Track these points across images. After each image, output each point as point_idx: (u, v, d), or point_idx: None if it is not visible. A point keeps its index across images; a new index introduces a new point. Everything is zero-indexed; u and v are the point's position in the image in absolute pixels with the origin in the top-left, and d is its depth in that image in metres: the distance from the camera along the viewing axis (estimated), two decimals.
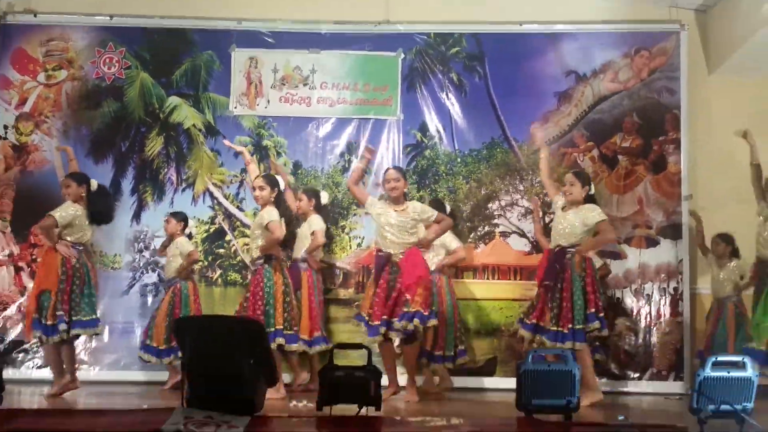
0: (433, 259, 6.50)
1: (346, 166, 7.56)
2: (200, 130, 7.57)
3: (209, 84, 7.62)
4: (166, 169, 7.54)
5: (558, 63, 7.56)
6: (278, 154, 7.56)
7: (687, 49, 7.43)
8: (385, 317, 5.52)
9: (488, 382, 6.93)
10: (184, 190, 7.52)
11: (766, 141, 7.26)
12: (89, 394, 5.94)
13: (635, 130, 7.44)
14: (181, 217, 6.93)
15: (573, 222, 5.56)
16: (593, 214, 5.53)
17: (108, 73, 7.61)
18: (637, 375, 6.91)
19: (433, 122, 7.57)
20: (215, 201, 7.54)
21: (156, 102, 7.60)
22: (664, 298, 7.13)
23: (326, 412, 3.65)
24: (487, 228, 7.46)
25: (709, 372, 3.35)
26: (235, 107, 7.59)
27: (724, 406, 3.33)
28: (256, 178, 5.98)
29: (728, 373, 3.36)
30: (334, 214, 7.41)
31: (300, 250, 6.53)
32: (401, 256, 5.68)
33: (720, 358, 3.43)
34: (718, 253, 6.82)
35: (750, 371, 3.38)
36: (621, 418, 3.61)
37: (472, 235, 7.40)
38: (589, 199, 5.67)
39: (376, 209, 5.89)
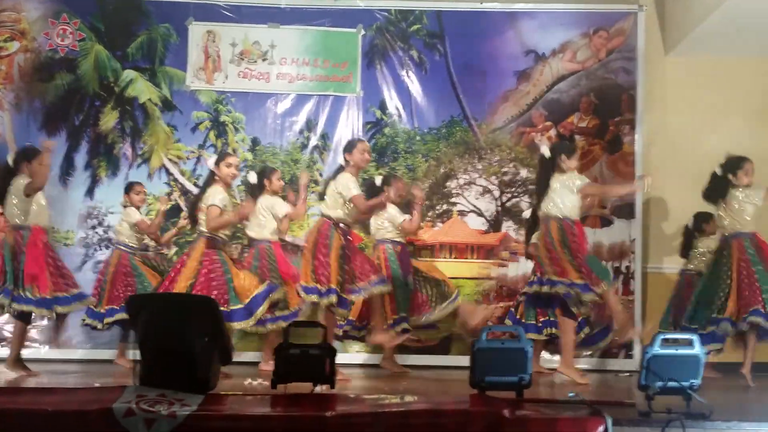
0: (378, 231, 6.49)
1: (305, 143, 7.52)
2: (156, 105, 7.45)
3: (166, 57, 7.49)
4: (121, 144, 7.42)
5: (518, 42, 7.57)
6: (236, 129, 7.48)
7: (644, 30, 7.50)
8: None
9: (443, 360, 6.97)
10: (139, 165, 7.41)
11: (720, 122, 7.43)
12: (40, 372, 5.85)
13: (592, 110, 7.51)
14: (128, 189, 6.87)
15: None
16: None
17: (61, 45, 7.44)
18: (589, 352, 7.01)
19: (392, 100, 7.55)
20: (171, 177, 7.44)
21: (111, 75, 7.46)
22: (616, 276, 7.23)
23: (281, 390, 3.65)
24: (445, 206, 7.49)
25: (657, 349, 3.40)
26: (193, 82, 7.47)
27: (671, 383, 3.39)
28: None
29: (676, 350, 3.42)
30: (293, 191, 7.35)
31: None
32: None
33: (668, 336, 3.50)
34: (709, 232, 6.68)
35: (697, 348, 3.45)
36: (571, 394, 3.67)
37: (430, 214, 7.42)
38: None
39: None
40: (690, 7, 7.22)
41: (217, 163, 5.74)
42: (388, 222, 6.44)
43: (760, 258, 5.70)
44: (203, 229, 5.63)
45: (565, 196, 5.45)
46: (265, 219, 6.33)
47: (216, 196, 5.59)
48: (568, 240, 5.42)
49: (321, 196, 5.80)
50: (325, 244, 5.52)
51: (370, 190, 6.29)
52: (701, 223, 6.67)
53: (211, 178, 5.74)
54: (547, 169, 5.60)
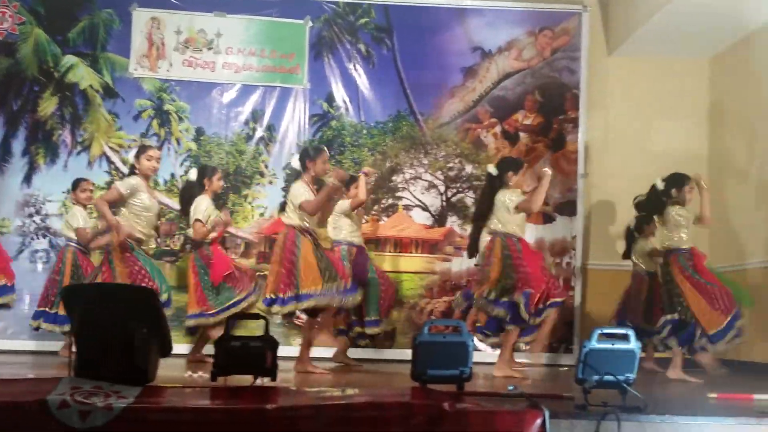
0: (333, 231, 6.43)
1: (250, 134, 7.45)
2: (98, 92, 7.30)
3: (108, 44, 7.35)
4: (60, 131, 7.26)
5: (465, 38, 7.62)
6: (180, 119, 7.38)
7: (588, 30, 7.63)
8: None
9: (387, 353, 6.98)
10: (79, 153, 7.26)
11: (661, 122, 7.61)
12: None
13: (537, 108, 7.61)
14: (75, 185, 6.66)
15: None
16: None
17: (0, 29, 7.22)
18: (529, 347, 7.09)
19: (339, 92, 7.54)
20: (112, 166, 7.31)
21: (51, 60, 7.28)
22: (558, 272, 7.34)
23: (221, 382, 3.61)
24: (390, 201, 7.50)
25: (594, 344, 3.46)
26: (136, 69, 7.35)
27: (607, 377, 3.45)
28: None
29: (612, 345, 3.48)
30: (237, 182, 7.30)
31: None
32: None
33: (605, 330, 3.56)
34: (648, 233, 6.78)
35: (633, 343, 3.51)
36: (511, 387, 3.71)
37: (375, 208, 7.44)
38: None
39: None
40: (633, 8, 7.36)
41: (137, 156, 5.63)
42: (343, 221, 6.34)
43: (699, 272, 5.83)
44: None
45: (506, 212, 5.53)
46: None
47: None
48: (512, 257, 5.49)
49: (282, 207, 5.74)
50: (292, 251, 5.43)
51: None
52: (642, 224, 6.79)
53: (132, 171, 5.65)
54: (493, 185, 5.67)
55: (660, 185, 6.01)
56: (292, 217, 5.49)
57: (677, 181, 5.97)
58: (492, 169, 5.71)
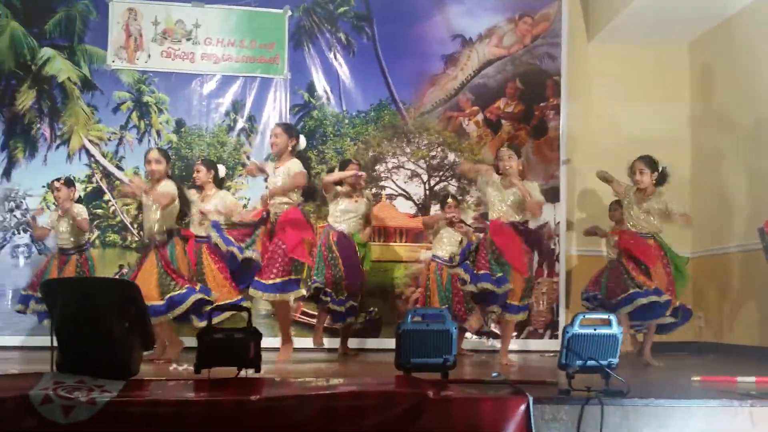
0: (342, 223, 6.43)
1: (231, 125, 7.42)
2: (76, 84, 7.23)
3: (85, 35, 7.28)
4: (38, 125, 7.18)
5: (445, 26, 7.61)
6: (159, 111, 7.32)
7: (568, 16, 7.63)
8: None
9: (372, 342, 7.00)
10: (58, 146, 7.19)
11: (641, 106, 7.64)
12: None
13: (518, 95, 7.61)
14: (72, 183, 6.44)
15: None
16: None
17: None
18: (515, 333, 7.11)
19: (320, 82, 7.51)
20: (92, 159, 7.24)
21: (28, 53, 7.20)
22: (541, 259, 7.36)
23: (204, 375, 3.60)
24: (374, 190, 7.49)
25: (577, 329, 3.47)
26: (113, 61, 7.28)
27: (590, 362, 3.47)
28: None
29: (595, 330, 3.49)
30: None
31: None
32: (280, 216, 5.44)
33: (588, 316, 3.57)
34: (616, 219, 6.87)
35: (615, 328, 3.53)
36: (495, 374, 3.73)
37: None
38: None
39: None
40: None
41: None
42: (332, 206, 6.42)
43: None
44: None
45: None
46: None
47: None
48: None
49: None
50: None
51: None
52: (610, 210, 6.87)
53: None
54: None
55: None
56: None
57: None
58: None
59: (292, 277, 5.32)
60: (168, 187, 5.52)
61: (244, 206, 7.31)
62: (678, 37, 7.72)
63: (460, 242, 6.42)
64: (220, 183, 6.42)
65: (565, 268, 7.47)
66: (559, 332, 7.19)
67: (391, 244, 7.42)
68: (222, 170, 6.41)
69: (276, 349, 5.54)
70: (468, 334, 6.75)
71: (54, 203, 6.53)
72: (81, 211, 6.26)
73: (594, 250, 7.30)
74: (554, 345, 7.11)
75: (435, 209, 7.44)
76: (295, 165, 5.42)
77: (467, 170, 6.27)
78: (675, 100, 7.84)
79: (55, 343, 3.50)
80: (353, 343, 6.72)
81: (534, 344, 7.26)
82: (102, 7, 7.26)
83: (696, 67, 7.88)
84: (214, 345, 3.60)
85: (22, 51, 7.19)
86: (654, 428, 3.29)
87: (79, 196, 6.61)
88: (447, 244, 6.47)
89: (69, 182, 6.33)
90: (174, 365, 4.90)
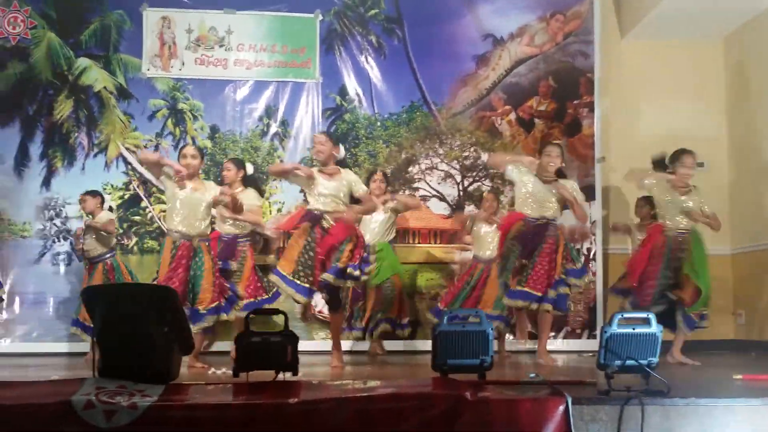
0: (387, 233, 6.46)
1: (265, 130, 7.47)
2: (112, 93, 7.33)
3: (120, 45, 7.37)
4: (76, 134, 7.30)
5: (476, 26, 7.59)
6: (194, 117, 7.40)
7: (600, 13, 7.58)
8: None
9: (408, 344, 6.98)
10: (96, 155, 7.30)
11: (676, 102, 7.55)
12: (0, 366, 5.76)
13: (551, 93, 7.57)
14: (97, 193, 6.70)
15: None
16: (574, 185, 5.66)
17: (13, 33, 7.28)
18: (552, 334, 7.08)
19: (352, 85, 7.53)
20: (129, 166, 7.34)
21: (64, 63, 7.32)
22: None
23: (243, 378, 3.63)
24: (407, 192, 7.48)
25: (615, 328, 3.44)
26: (148, 69, 7.37)
27: (629, 361, 3.44)
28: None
29: (633, 329, 3.46)
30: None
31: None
32: (333, 222, 5.38)
33: (626, 315, 3.54)
34: (642, 215, 6.80)
35: (654, 327, 3.49)
36: (532, 375, 3.70)
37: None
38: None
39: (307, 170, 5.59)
40: None
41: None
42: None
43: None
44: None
45: None
46: None
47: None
48: None
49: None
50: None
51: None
52: (637, 207, 6.78)
53: None
54: None
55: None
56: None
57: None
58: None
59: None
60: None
61: (279, 210, 7.37)
62: (712, 32, 7.61)
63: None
64: (248, 182, 6.45)
65: (602, 267, 7.39)
66: (597, 332, 7.14)
67: (426, 245, 7.41)
68: (250, 168, 6.42)
69: (313, 353, 5.57)
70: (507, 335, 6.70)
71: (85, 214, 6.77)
72: (102, 216, 6.49)
73: (623, 248, 7.21)
74: (592, 345, 7.04)
75: (469, 210, 7.42)
76: (353, 177, 5.52)
77: (498, 162, 6.21)
78: (710, 96, 7.73)
79: (97, 349, 3.56)
80: (387, 345, 6.73)
81: (572, 344, 7.19)
82: (136, 17, 7.36)
83: (731, 62, 7.77)
84: (252, 348, 3.64)
85: (58, 61, 7.31)
86: (695, 428, 3.25)
87: (110, 206, 6.77)
88: (491, 242, 6.36)
89: (94, 193, 6.65)
90: (213, 369, 4.95)
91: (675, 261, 5.70)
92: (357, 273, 5.26)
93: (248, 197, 6.04)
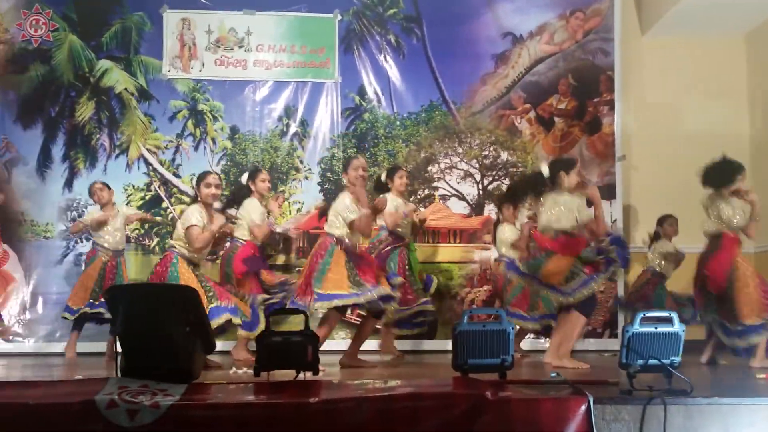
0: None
1: (284, 130, 7.49)
2: (133, 95, 7.39)
3: (141, 46, 7.43)
4: (98, 135, 7.36)
5: (495, 25, 7.57)
6: (214, 118, 7.44)
7: (620, 10, 7.53)
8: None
9: (428, 344, 6.97)
10: (117, 156, 7.36)
11: (697, 99, 7.49)
12: (24, 366, 5.82)
13: (570, 91, 7.53)
14: (110, 188, 6.68)
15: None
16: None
17: (35, 36, 7.36)
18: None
19: (371, 85, 7.54)
20: (150, 167, 7.39)
21: (86, 65, 7.38)
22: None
23: (264, 377, 3.64)
24: (426, 191, 7.49)
25: (637, 328, 3.42)
26: (169, 70, 7.42)
27: (652, 361, 3.41)
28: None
29: (656, 328, 3.44)
30: (273, 179, 7.32)
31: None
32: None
33: (648, 314, 3.52)
34: (670, 234, 6.70)
35: (677, 326, 3.47)
36: (554, 375, 3.68)
37: (411, 198, 7.40)
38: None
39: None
40: None
41: (197, 184, 5.48)
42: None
43: None
44: None
45: (564, 216, 5.32)
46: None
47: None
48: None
49: (322, 213, 5.55)
50: (321, 255, 5.35)
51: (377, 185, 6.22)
52: (664, 225, 6.68)
53: (194, 200, 5.52)
54: (539, 183, 5.38)
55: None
56: (336, 227, 5.40)
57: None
58: (545, 170, 5.50)
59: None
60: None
61: (298, 210, 7.40)
62: (733, 27, 7.54)
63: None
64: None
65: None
66: (619, 331, 7.09)
67: (445, 245, 7.40)
68: (243, 177, 6.33)
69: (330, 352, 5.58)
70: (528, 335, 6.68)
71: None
72: (125, 209, 6.59)
73: (639, 248, 7.14)
74: (612, 344, 7.01)
75: (489, 209, 7.41)
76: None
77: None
78: (732, 93, 7.66)
79: (119, 349, 3.58)
80: (406, 344, 6.71)
81: (593, 344, 7.15)
82: (156, 18, 7.41)
83: (753, 58, 7.68)
84: (273, 348, 3.65)
85: (80, 63, 7.37)
86: (719, 428, 3.22)
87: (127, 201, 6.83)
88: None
89: (107, 185, 6.57)
90: (234, 368, 4.97)
91: None
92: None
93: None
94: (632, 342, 3.43)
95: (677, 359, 3.48)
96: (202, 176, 5.48)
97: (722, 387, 3.93)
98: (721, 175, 5.50)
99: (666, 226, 6.65)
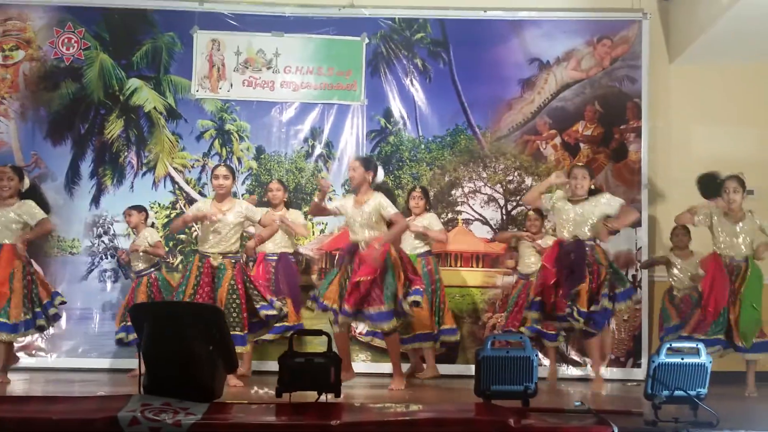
0: (416, 245, 6.47)
1: (310, 151, 7.53)
2: (161, 113, 7.47)
3: (170, 66, 7.51)
4: (126, 153, 7.43)
5: (522, 50, 7.57)
6: (241, 138, 7.50)
7: (649, 38, 7.50)
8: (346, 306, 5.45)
9: (450, 368, 6.92)
10: (144, 174, 7.43)
11: (725, 127, 7.43)
12: (47, 381, 5.86)
13: (597, 118, 7.50)
14: (142, 208, 6.86)
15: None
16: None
17: (67, 54, 7.47)
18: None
19: (397, 108, 7.56)
20: (176, 186, 7.45)
21: (116, 84, 7.48)
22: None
23: (285, 398, 3.64)
24: (450, 215, 7.48)
25: (663, 358, 3.39)
26: (197, 90, 7.49)
27: (678, 392, 3.37)
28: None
29: (682, 359, 3.40)
30: (297, 200, 7.37)
31: None
32: (365, 249, 5.51)
33: (675, 345, 3.48)
34: (682, 245, 6.78)
35: (704, 357, 3.43)
36: (577, 403, 3.65)
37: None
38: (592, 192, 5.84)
39: (338, 203, 5.90)
40: (694, 14, 7.20)
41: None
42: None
43: None
44: None
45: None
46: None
47: None
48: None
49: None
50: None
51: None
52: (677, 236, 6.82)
53: None
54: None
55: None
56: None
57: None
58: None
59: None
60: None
61: (321, 231, 7.41)
62: (763, 55, 7.48)
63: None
64: (289, 203, 6.85)
65: (647, 294, 7.27)
66: (643, 360, 7.02)
67: (468, 269, 7.37)
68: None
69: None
70: (545, 361, 6.63)
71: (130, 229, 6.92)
72: (150, 237, 6.65)
73: (663, 276, 7.10)
74: (636, 374, 6.93)
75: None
76: (383, 200, 5.55)
77: (531, 199, 6.19)
78: (760, 121, 7.58)
79: (143, 366, 3.60)
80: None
81: (617, 373, 7.07)
82: (186, 39, 7.50)
83: None
84: (295, 369, 3.65)
85: (110, 82, 7.47)
86: None
87: (152, 222, 6.89)
88: (535, 261, 6.42)
89: (139, 208, 6.84)
90: (256, 388, 4.97)
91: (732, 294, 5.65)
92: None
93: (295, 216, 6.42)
94: (658, 372, 3.40)
95: (704, 391, 3.44)
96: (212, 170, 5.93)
97: (749, 420, 3.87)
98: None
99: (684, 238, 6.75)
